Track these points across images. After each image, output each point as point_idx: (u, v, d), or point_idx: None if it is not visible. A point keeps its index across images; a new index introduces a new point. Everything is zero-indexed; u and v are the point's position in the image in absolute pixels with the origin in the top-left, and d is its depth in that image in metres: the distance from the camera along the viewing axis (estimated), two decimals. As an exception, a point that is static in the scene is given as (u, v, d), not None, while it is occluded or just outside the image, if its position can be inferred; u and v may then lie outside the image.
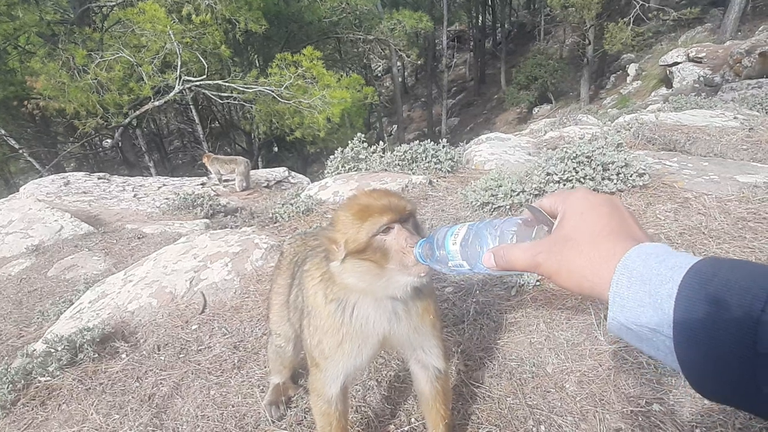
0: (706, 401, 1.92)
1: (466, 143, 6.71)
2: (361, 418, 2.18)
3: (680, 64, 19.80)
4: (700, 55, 19.22)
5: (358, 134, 6.18)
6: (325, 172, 6.16)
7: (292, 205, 4.82)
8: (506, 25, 41.52)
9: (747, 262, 0.57)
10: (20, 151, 19.32)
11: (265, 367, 2.56)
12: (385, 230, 1.33)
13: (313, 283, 1.58)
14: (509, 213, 3.73)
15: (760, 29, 20.50)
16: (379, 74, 45.96)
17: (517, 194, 3.75)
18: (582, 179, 3.60)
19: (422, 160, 5.32)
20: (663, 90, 20.34)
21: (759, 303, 0.51)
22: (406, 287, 1.39)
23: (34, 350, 2.97)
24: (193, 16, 17.65)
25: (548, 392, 2.13)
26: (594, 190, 3.54)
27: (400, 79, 37.52)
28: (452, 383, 2.24)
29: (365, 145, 5.98)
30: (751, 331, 0.50)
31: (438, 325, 1.69)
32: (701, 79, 17.38)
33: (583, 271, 0.70)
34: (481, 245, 0.92)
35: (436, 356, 1.69)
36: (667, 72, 20.82)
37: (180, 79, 17.21)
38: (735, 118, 6.08)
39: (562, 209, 0.79)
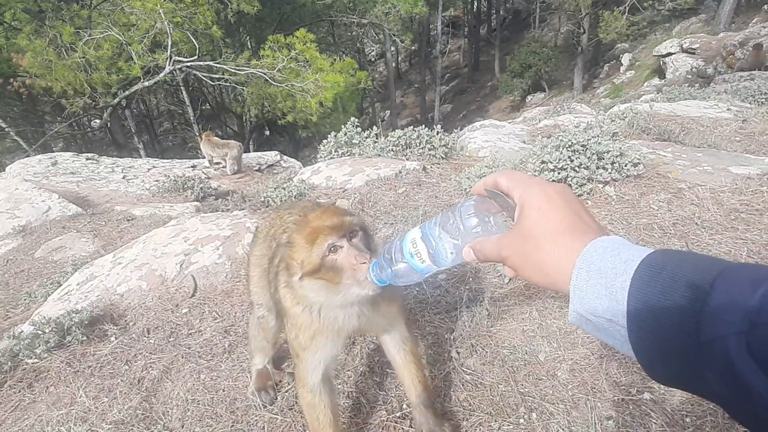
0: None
1: (460, 130, 6.67)
2: (353, 404, 2.17)
3: (674, 55, 19.84)
4: (693, 46, 19.26)
5: (352, 119, 6.12)
6: (318, 156, 6.10)
7: (284, 189, 4.78)
8: (501, 12, 41.21)
9: (695, 255, 0.61)
10: (6, 130, 18.91)
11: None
12: (334, 250, 1.42)
13: (282, 285, 1.69)
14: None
15: (753, 21, 20.57)
16: (373, 59, 45.53)
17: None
18: (577, 168, 3.59)
19: (416, 146, 5.28)
20: (656, 80, 20.38)
21: (702, 294, 0.55)
22: (362, 298, 1.47)
23: (21, 332, 2.92)
24: (184, -5, 17.28)
25: (540, 380, 2.14)
26: (589, 179, 3.55)
27: (393, 65, 37.21)
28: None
29: (359, 130, 5.93)
30: (694, 320, 0.55)
31: (402, 307, 1.88)
32: (694, 70, 17.39)
33: (545, 267, 0.74)
34: (443, 242, 0.93)
35: (400, 326, 1.87)
36: (661, 62, 20.86)
37: (170, 60, 16.86)
38: (728, 109, 6.10)
39: (520, 201, 0.81)
